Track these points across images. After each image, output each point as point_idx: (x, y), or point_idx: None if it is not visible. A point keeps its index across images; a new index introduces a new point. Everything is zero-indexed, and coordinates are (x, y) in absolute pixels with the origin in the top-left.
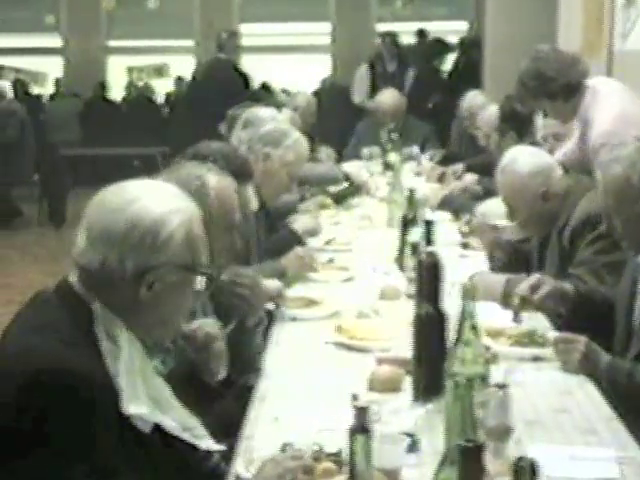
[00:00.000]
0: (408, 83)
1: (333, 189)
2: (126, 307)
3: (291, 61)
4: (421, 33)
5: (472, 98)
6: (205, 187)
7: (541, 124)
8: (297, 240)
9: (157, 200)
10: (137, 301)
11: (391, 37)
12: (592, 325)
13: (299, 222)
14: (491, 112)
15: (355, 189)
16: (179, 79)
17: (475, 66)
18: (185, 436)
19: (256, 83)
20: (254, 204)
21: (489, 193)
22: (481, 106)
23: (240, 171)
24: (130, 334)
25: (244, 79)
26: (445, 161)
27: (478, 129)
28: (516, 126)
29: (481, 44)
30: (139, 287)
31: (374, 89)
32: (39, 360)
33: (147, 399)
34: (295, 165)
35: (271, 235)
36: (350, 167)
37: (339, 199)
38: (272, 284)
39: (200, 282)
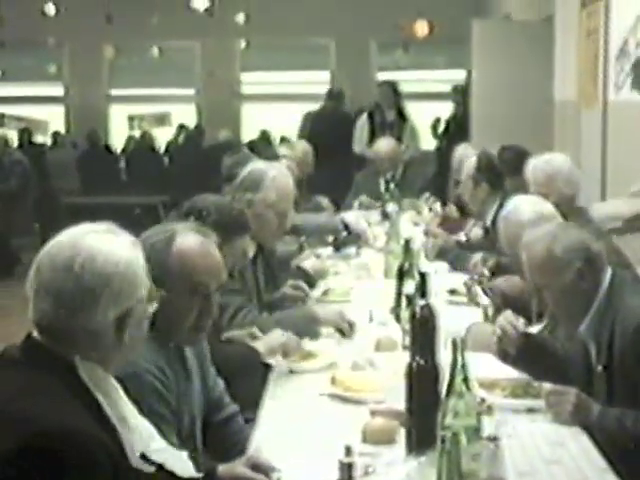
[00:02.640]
0: (407, 132)
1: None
2: (108, 353)
3: (291, 109)
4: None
5: (462, 150)
6: (170, 243)
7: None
8: (308, 279)
9: (114, 246)
10: (119, 345)
11: (390, 86)
12: (538, 371)
13: (308, 263)
14: (471, 161)
15: (354, 238)
16: (182, 127)
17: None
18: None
19: (255, 131)
20: (250, 251)
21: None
22: (468, 157)
23: (235, 224)
24: (105, 373)
25: (349, 119)
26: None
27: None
28: (489, 178)
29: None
30: (122, 333)
31: (374, 138)
32: (36, 426)
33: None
34: (280, 202)
35: (271, 280)
36: (349, 217)
37: (339, 246)
38: (276, 339)
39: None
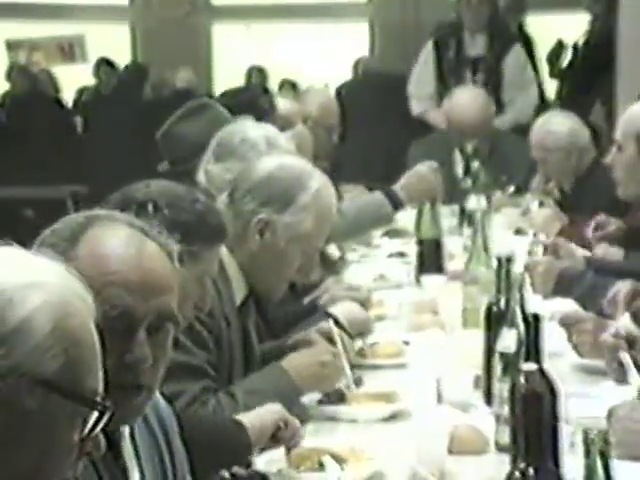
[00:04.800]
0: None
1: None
2: None
3: (298, 32)
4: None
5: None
6: (75, 241)
7: None
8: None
9: (7, 270)
10: None
11: None
12: None
13: (340, 307)
14: (635, 112)
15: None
16: (106, 64)
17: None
18: None
19: (236, 71)
20: (238, 295)
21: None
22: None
23: (200, 227)
24: None
25: None
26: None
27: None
28: None
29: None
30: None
31: (444, 87)
32: None
33: None
34: (317, 236)
35: (269, 335)
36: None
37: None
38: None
39: (85, 415)
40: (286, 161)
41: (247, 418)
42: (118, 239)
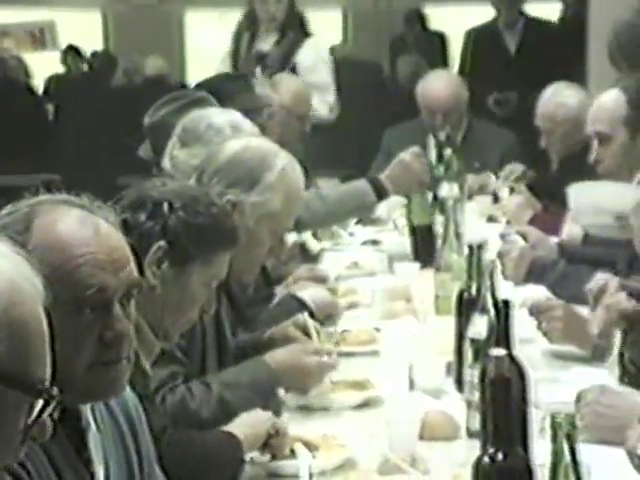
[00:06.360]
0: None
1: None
2: None
3: None
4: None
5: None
6: (28, 226)
7: None
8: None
9: None
10: None
11: None
12: None
13: (308, 291)
14: (614, 98)
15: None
16: (75, 52)
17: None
18: None
19: (210, 59)
20: None
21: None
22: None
23: (216, 231)
24: None
25: None
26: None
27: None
28: None
29: None
30: None
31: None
32: None
33: None
34: (286, 215)
35: (240, 323)
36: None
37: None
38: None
39: (31, 402)
40: (251, 142)
41: (240, 428)
42: (70, 223)
